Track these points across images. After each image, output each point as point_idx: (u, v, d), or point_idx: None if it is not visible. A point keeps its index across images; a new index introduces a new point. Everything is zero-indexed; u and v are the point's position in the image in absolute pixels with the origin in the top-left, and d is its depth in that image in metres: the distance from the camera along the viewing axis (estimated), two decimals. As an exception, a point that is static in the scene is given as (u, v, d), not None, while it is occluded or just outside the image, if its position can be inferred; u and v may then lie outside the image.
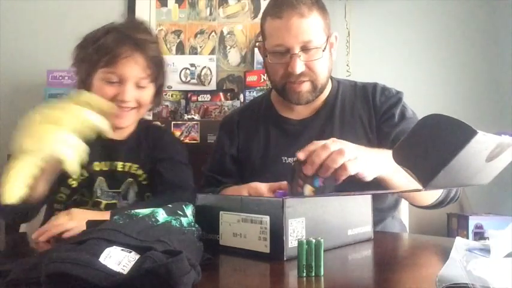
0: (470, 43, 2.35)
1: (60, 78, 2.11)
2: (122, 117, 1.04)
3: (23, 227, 1.40)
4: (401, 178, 0.88)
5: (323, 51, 1.08)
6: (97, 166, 1.07)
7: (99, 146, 1.04)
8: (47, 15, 2.31)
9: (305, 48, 1.06)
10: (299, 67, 1.06)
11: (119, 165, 1.08)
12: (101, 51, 1.00)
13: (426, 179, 0.48)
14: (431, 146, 0.48)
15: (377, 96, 1.16)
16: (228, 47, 2.33)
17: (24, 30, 2.30)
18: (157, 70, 1.07)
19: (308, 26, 1.05)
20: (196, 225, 0.64)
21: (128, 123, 1.08)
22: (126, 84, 1.01)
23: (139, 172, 1.09)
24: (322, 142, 0.74)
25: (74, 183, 1.06)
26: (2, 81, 2.26)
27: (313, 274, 0.51)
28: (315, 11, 1.07)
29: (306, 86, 1.10)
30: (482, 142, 0.48)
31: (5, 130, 2.22)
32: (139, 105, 1.05)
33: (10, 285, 0.46)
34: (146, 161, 1.10)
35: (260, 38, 1.18)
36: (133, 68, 1.01)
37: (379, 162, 0.79)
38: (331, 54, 1.16)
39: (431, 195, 1.00)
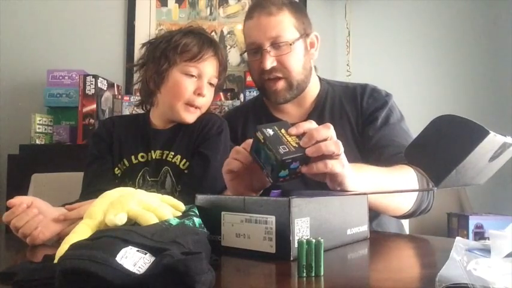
0: (470, 43, 2.35)
1: (60, 78, 2.11)
2: (193, 112, 1.12)
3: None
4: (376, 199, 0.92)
5: (290, 45, 1.10)
6: (141, 157, 1.12)
7: (142, 137, 1.14)
8: (47, 15, 2.31)
9: (274, 43, 1.10)
10: (269, 62, 1.10)
11: (157, 153, 1.12)
12: (187, 47, 1.11)
13: (439, 178, 0.49)
14: (444, 145, 0.49)
15: (365, 98, 1.17)
16: (228, 47, 2.33)
17: (24, 30, 2.30)
18: (224, 74, 1.20)
19: (276, 22, 1.10)
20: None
21: (192, 120, 1.13)
22: (203, 80, 1.12)
23: (176, 159, 1.10)
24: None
25: (119, 172, 1.12)
26: (2, 81, 2.26)
27: (313, 274, 0.51)
28: (286, 11, 1.12)
29: (280, 84, 1.13)
30: (492, 142, 0.48)
31: (5, 130, 2.22)
32: (204, 104, 1.14)
33: (17, 285, 0.47)
34: (186, 148, 1.11)
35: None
36: (212, 68, 1.13)
37: (358, 179, 0.79)
38: (310, 52, 1.18)
39: (404, 207, 1.02)
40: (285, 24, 1.11)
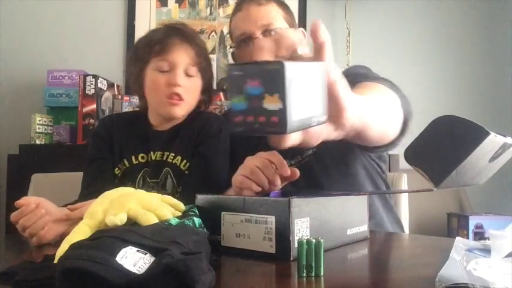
0: (470, 43, 2.35)
1: (60, 78, 2.11)
2: (176, 103, 1.08)
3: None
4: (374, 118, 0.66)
5: None
6: (141, 158, 1.12)
7: (142, 138, 1.13)
8: (47, 15, 2.31)
9: (266, 31, 1.08)
10: None
11: (158, 154, 1.11)
12: (153, 43, 1.09)
13: (439, 178, 0.49)
14: (444, 146, 0.49)
15: None
16: (228, 47, 2.33)
17: (24, 30, 2.30)
18: (204, 61, 1.13)
19: (266, 11, 1.10)
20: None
21: (180, 114, 1.10)
22: (176, 70, 1.07)
23: (176, 160, 1.10)
24: None
25: (119, 172, 1.11)
26: (2, 81, 2.26)
27: (313, 274, 0.51)
28: (273, 3, 1.12)
29: None
30: (492, 143, 0.48)
31: (5, 130, 2.22)
32: (188, 94, 1.09)
33: (17, 285, 0.47)
34: (186, 149, 1.10)
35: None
36: (183, 56, 1.08)
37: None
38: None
39: (392, 131, 0.81)
40: (275, 14, 1.11)
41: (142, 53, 1.10)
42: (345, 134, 0.54)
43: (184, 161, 1.09)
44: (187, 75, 1.09)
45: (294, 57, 0.50)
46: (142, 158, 1.12)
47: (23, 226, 0.79)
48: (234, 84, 0.43)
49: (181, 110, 1.10)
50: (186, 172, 1.09)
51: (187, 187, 1.05)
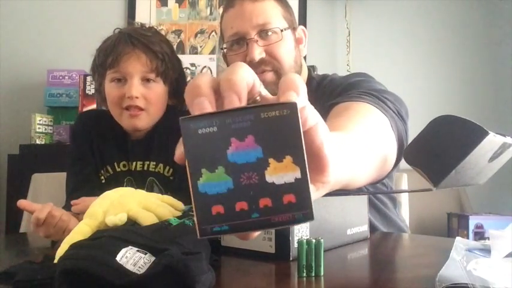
0: (470, 42, 2.35)
1: (61, 78, 2.11)
2: (135, 116, 1.02)
3: (23, 227, 1.41)
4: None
5: (282, 31, 0.99)
6: (123, 166, 1.08)
7: (121, 146, 1.09)
8: (47, 15, 2.31)
9: (262, 31, 0.99)
10: (257, 53, 0.97)
11: (138, 165, 1.07)
12: (105, 54, 1.03)
13: (438, 178, 0.49)
14: (443, 146, 0.49)
15: (320, 90, 1.07)
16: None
17: (24, 30, 2.30)
18: (164, 64, 1.04)
19: (263, 8, 0.99)
20: None
21: (142, 125, 1.04)
22: (131, 80, 1.01)
23: (159, 169, 1.06)
24: None
25: (103, 179, 1.08)
26: (2, 81, 2.26)
27: (313, 274, 0.51)
28: None
29: (269, 76, 0.99)
30: (492, 143, 0.48)
31: (5, 130, 2.22)
32: (148, 103, 1.03)
33: (17, 285, 0.47)
34: (166, 155, 1.06)
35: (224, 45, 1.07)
36: (136, 64, 1.01)
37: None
38: (299, 48, 1.08)
39: (390, 161, 0.70)
40: (272, 11, 1.00)
41: (98, 65, 1.05)
42: (327, 191, 0.39)
43: (167, 167, 1.05)
44: (146, 83, 1.02)
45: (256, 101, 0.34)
46: (124, 166, 1.08)
47: (48, 235, 0.80)
48: (200, 150, 0.27)
49: (143, 121, 1.04)
50: (171, 178, 1.05)
51: (178, 191, 1.03)
